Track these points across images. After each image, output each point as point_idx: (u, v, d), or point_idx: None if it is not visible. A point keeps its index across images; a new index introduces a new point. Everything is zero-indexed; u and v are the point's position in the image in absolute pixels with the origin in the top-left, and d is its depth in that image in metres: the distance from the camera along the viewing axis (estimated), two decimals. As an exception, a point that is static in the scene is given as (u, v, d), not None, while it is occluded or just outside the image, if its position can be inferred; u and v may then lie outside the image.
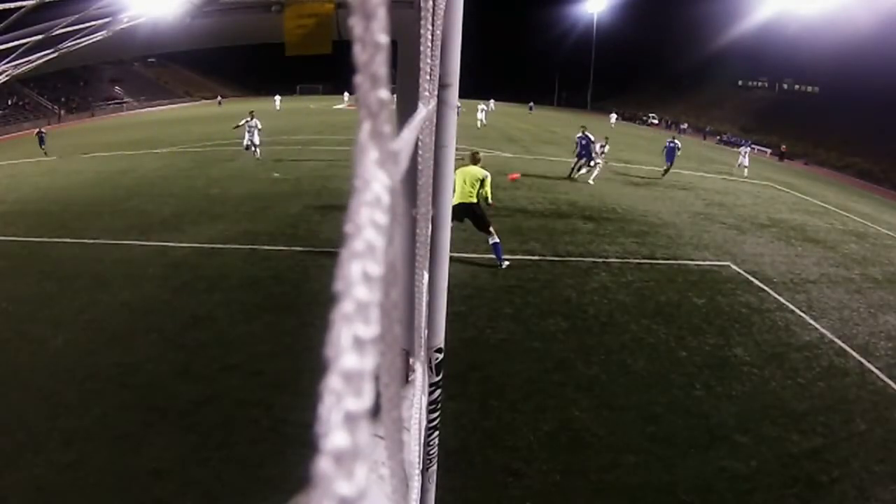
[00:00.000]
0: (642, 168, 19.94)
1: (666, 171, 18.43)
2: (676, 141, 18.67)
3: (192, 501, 3.81)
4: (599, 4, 62.22)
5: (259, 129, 16.58)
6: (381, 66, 0.23)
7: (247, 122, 16.49)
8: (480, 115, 29.25)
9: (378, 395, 0.32)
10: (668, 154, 18.36)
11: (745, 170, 21.42)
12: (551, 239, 10.17)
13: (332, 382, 0.19)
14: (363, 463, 0.18)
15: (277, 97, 42.33)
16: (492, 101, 47.21)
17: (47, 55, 2.13)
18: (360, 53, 0.23)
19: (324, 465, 0.18)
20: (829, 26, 38.85)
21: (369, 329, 0.20)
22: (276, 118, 29.06)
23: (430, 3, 0.80)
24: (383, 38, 0.23)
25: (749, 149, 23.65)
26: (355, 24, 0.23)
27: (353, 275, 0.21)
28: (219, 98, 50.68)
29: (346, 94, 48.21)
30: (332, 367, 0.19)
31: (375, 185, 0.23)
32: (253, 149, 16.57)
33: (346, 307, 0.20)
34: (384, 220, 0.23)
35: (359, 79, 0.23)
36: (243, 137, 16.71)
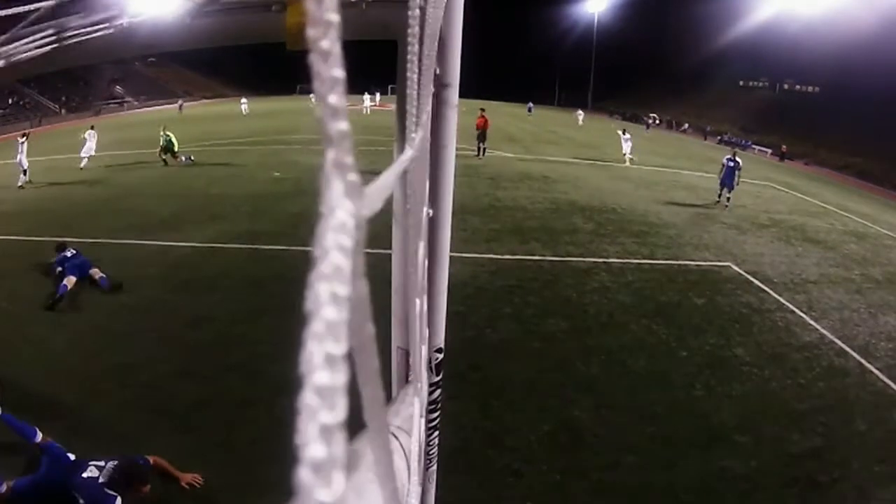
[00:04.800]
0: (641, 168, 19.92)
1: (725, 196, 14.20)
2: (738, 159, 14.12)
3: (192, 501, 3.81)
4: (599, 4, 62.16)
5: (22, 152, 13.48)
6: (336, 72, 0.24)
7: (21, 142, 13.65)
8: (367, 104, 33.51)
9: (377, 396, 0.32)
10: (726, 175, 13.97)
11: (629, 158, 19.41)
12: (551, 239, 10.17)
13: (307, 398, 0.20)
14: (340, 471, 0.20)
15: (244, 100, 34.76)
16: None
17: (47, 52, 2.13)
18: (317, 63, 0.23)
19: (303, 474, 0.19)
20: (829, 26, 38.83)
21: (340, 346, 0.21)
22: (246, 120, 29.06)
23: (430, 2, 0.80)
24: (336, 48, 0.24)
25: (629, 135, 20.04)
26: (312, 34, 0.23)
27: (322, 295, 0.22)
28: (179, 102, 41.65)
29: (298, 91, 48.48)
30: (305, 383, 0.20)
31: (340, 213, 0.24)
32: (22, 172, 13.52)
33: (315, 326, 0.21)
34: (349, 244, 0.24)
35: (317, 87, 0.24)
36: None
